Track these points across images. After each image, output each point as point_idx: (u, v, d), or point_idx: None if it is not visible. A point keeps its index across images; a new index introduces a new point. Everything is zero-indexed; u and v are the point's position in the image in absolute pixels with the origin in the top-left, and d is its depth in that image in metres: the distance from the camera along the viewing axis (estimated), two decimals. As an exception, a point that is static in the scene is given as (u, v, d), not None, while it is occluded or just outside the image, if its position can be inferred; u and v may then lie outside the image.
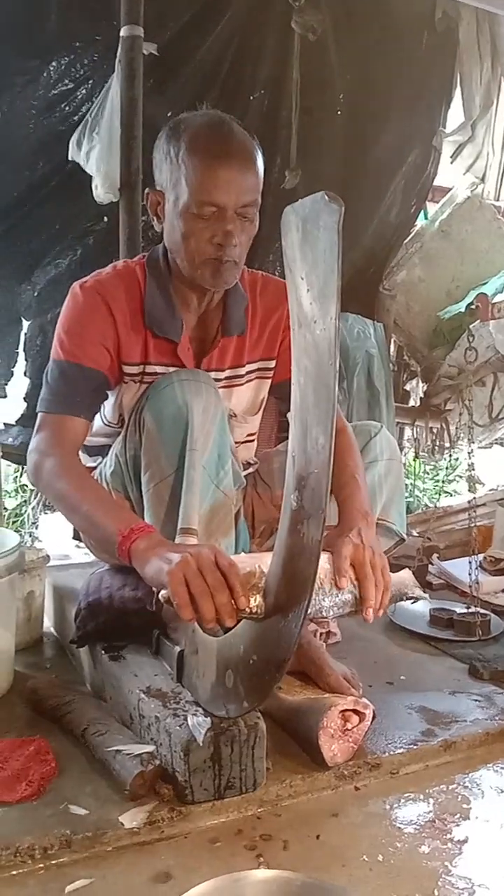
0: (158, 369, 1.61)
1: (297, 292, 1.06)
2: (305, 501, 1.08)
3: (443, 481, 4.61)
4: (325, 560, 1.35)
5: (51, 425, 1.53)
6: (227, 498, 1.47)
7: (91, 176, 2.44)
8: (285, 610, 1.14)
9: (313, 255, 1.02)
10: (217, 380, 1.66)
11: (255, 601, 1.20)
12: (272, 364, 1.73)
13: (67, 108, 2.59)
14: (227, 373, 1.69)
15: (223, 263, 1.51)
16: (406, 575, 1.55)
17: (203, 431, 1.44)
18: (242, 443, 1.77)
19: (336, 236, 0.95)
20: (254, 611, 1.19)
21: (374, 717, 1.50)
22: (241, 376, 1.71)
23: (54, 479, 1.47)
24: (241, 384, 1.72)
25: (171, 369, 1.61)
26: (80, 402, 1.56)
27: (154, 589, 1.46)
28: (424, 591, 1.65)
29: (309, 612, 1.25)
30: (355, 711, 1.47)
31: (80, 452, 1.75)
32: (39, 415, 1.57)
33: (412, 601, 1.62)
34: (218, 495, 1.44)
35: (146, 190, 1.61)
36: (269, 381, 1.76)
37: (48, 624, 2.04)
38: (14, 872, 1.17)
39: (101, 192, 2.42)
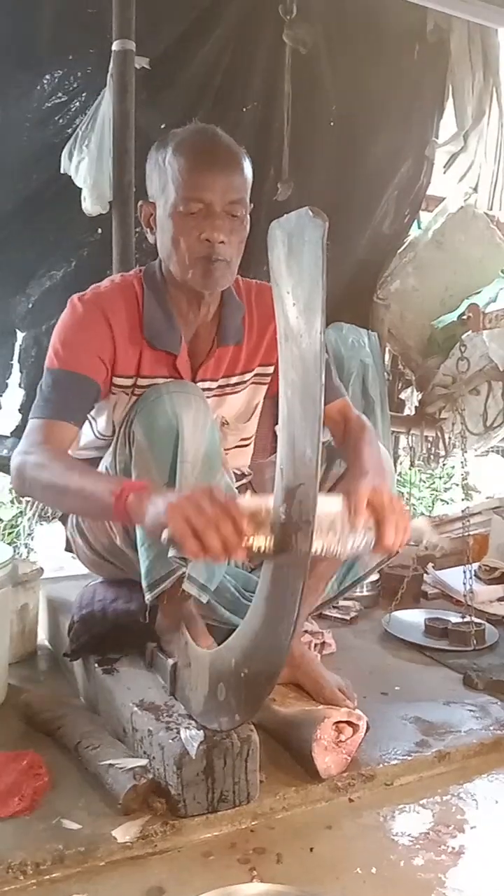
0: (150, 382, 1.60)
1: (284, 306, 1.07)
2: (293, 513, 1.09)
3: (437, 490, 4.61)
4: (338, 502, 1.29)
5: (38, 429, 1.52)
6: None
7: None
8: (274, 624, 1.14)
9: (299, 269, 1.03)
10: (209, 389, 1.67)
11: (262, 538, 1.15)
12: (270, 370, 1.74)
13: (61, 121, 2.60)
14: (220, 381, 1.69)
15: (213, 262, 1.52)
16: (422, 522, 1.52)
17: (193, 443, 1.44)
18: (235, 447, 1.78)
19: (320, 251, 0.96)
20: (262, 547, 1.15)
21: (367, 729, 1.49)
22: (235, 385, 1.72)
23: (39, 470, 1.44)
24: (236, 392, 1.72)
25: (162, 381, 1.62)
26: (72, 408, 1.55)
27: (146, 603, 1.47)
28: (437, 546, 1.58)
29: (324, 553, 1.21)
30: (349, 723, 1.47)
31: None
32: (29, 421, 1.56)
33: (429, 548, 1.54)
34: None
35: (139, 202, 1.63)
36: (265, 386, 1.76)
37: (42, 637, 2.04)
38: (6, 889, 1.17)
39: (89, 204, 2.42)
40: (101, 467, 1.60)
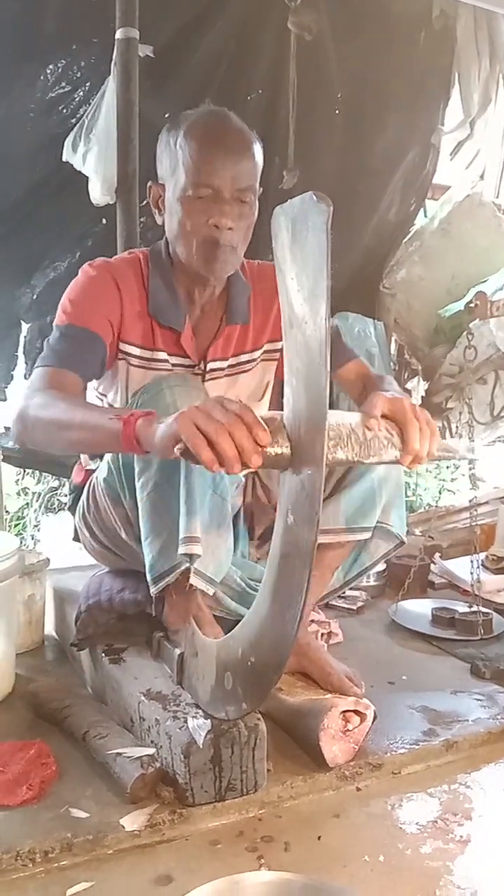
0: (166, 357, 1.62)
1: (288, 293, 1.06)
2: (300, 502, 1.08)
3: (443, 480, 4.60)
4: (356, 415, 1.25)
5: (42, 376, 1.49)
6: (224, 502, 1.47)
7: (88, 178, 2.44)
8: (280, 613, 1.13)
9: (303, 255, 1.02)
10: (220, 369, 1.68)
11: (279, 446, 1.12)
12: (279, 345, 1.73)
13: (65, 111, 2.59)
14: (231, 361, 1.70)
15: (220, 247, 1.52)
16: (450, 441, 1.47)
17: None
18: None
19: (324, 236, 0.95)
20: (279, 451, 1.12)
21: (375, 718, 1.49)
22: (245, 363, 1.72)
23: (41, 409, 1.40)
24: (246, 371, 1.73)
25: (175, 359, 1.63)
26: (78, 360, 1.53)
27: (151, 593, 1.46)
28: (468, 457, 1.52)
29: (348, 459, 1.17)
30: (356, 712, 1.46)
31: (81, 455, 1.75)
32: (34, 370, 1.54)
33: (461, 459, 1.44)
34: (215, 500, 1.43)
35: (148, 183, 1.64)
36: (275, 363, 1.76)
37: (49, 627, 2.04)
38: (15, 876, 1.18)
39: (98, 194, 2.41)
40: (105, 459, 1.59)
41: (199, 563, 1.39)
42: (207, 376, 1.66)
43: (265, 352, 1.75)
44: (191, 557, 1.37)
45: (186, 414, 1.13)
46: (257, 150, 1.56)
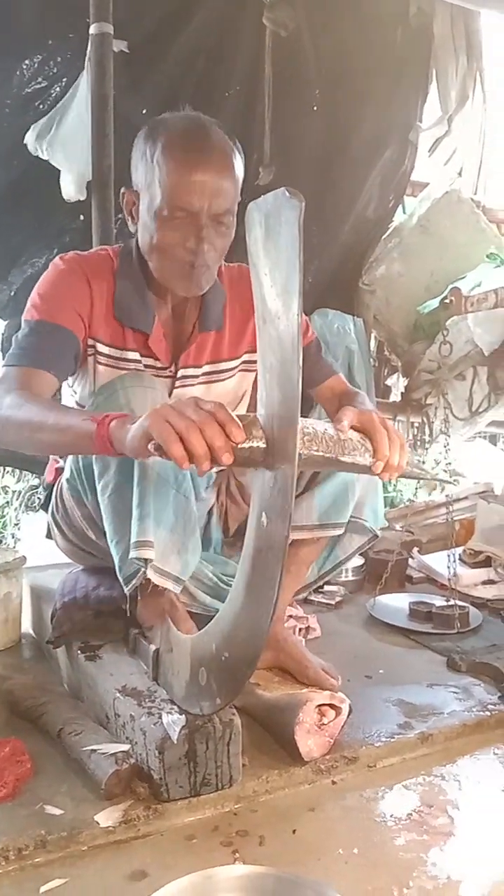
0: (139, 357, 1.59)
1: (262, 289, 1.06)
2: (272, 498, 1.09)
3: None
4: (328, 426, 1.25)
5: (15, 376, 1.44)
6: (188, 501, 1.45)
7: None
8: (253, 607, 1.13)
9: (276, 251, 1.02)
10: (194, 376, 1.65)
11: (252, 441, 1.11)
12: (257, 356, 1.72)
13: (42, 107, 2.58)
14: (206, 368, 1.67)
15: (194, 268, 1.48)
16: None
17: None
18: None
19: (297, 231, 0.95)
20: (253, 446, 1.11)
21: (350, 712, 1.50)
22: (222, 372, 1.70)
23: (14, 410, 1.35)
24: (222, 380, 1.70)
25: (147, 360, 1.60)
26: (52, 358, 1.48)
27: (126, 591, 1.46)
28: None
29: (320, 452, 1.18)
30: (331, 706, 1.47)
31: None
32: (3, 370, 1.49)
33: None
34: (179, 500, 1.41)
35: (122, 189, 1.59)
36: (253, 373, 1.73)
37: (26, 625, 2.03)
38: (-12, 874, 1.17)
39: (72, 190, 2.40)
40: (67, 460, 1.58)
41: (163, 563, 1.38)
42: (178, 383, 1.63)
43: (244, 362, 1.71)
44: (145, 561, 1.36)
45: (159, 411, 1.12)
46: (238, 166, 1.50)
